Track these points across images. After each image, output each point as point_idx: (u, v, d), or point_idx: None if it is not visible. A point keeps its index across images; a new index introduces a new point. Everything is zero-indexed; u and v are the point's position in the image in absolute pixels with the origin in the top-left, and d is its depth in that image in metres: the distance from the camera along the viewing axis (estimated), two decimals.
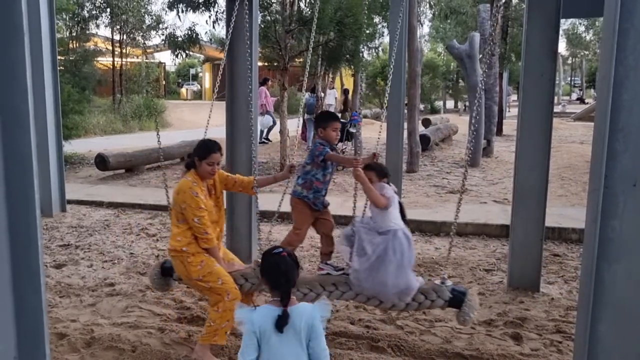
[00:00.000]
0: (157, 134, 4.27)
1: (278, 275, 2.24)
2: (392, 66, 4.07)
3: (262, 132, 15.46)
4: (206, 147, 3.52)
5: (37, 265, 1.74)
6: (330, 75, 16.37)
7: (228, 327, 3.45)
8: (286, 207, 4.05)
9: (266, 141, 15.18)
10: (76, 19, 20.22)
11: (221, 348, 3.72)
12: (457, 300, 3.42)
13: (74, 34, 20.68)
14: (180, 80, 42.20)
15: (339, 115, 19.29)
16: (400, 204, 3.57)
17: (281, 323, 2.14)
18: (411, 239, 3.48)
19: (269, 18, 10.71)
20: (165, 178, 4.18)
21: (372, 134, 14.23)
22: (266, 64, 11.88)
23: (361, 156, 3.71)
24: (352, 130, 12.55)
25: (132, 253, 5.91)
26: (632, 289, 2.27)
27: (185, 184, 3.49)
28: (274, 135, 15.32)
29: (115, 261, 5.64)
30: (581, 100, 43.66)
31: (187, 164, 3.66)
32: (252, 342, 2.18)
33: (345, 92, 19.86)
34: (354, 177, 3.60)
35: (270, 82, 16.17)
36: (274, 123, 15.25)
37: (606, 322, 2.31)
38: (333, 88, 17.45)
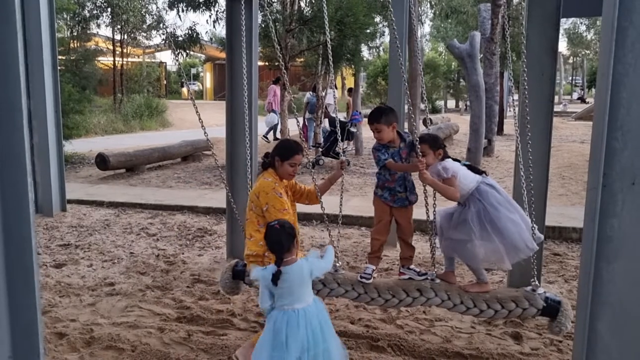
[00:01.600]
0: (203, 127, 4.15)
1: (272, 242, 2.83)
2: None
3: (270, 129, 15.56)
4: (290, 148, 3.42)
5: (31, 263, 1.73)
6: (332, 75, 16.39)
7: None
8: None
9: (265, 139, 15.20)
10: (77, 19, 20.26)
11: (220, 348, 3.73)
12: (551, 309, 3.23)
13: (75, 34, 20.70)
14: (183, 80, 42.23)
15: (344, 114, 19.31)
16: (468, 165, 3.43)
17: (275, 279, 2.73)
18: (495, 184, 3.38)
19: (269, 17, 10.72)
20: (224, 180, 4.05)
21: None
22: (267, 63, 11.89)
23: (419, 155, 3.41)
24: (353, 129, 12.55)
25: (132, 253, 5.91)
26: (630, 287, 2.26)
27: (267, 184, 3.36)
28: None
29: (115, 261, 5.64)
30: (582, 99, 43.62)
31: (264, 164, 3.51)
32: (266, 292, 2.80)
33: (349, 91, 19.82)
34: (421, 181, 3.38)
35: (282, 81, 16.21)
36: (278, 122, 15.31)
37: (605, 321, 2.31)
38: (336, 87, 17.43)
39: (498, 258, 3.28)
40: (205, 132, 4.20)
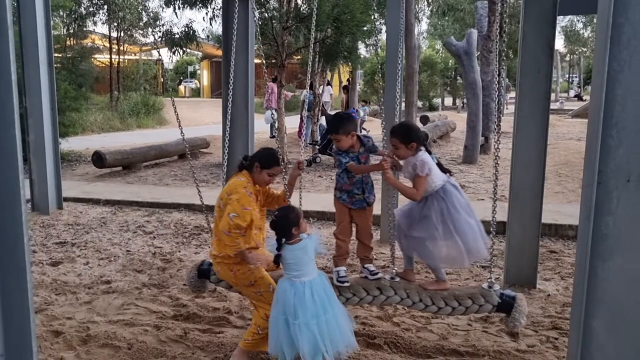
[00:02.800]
0: (179, 124, 4.17)
1: (277, 230, 3.14)
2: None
3: (272, 126, 15.66)
4: (273, 158, 3.44)
5: (23, 262, 1.72)
6: (329, 72, 16.33)
7: None
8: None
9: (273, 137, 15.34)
10: (73, 16, 20.17)
11: (217, 345, 3.72)
12: (506, 305, 3.32)
13: (71, 31, 20.62)
14: (181, 77, 42.19)
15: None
16: (437, 162, 3.40)
17: (276, 261, 3.14)
18: (458, 186, 3.39)
19: (266, 15, 10.69)
20: (197, 181, 4.05)
21: (371, 131, 14.25)
22: (264, 61, 11.87)
23: (386, 155, 3.49)
24: None
25: (128, 250, 5.90)
26: (626, 285, 2.26)
27: (239, 183, 3.38)
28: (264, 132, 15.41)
29: (112, 259, 5.63)
30: (579, 97, 43.65)
31: (240, 165, 3.52)
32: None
33: (345, 88, 19.78)
34: (385, 180, 3.44)
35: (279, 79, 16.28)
36: (274, 119, 15.36)
37: (600, 318, 2.31)
38: (328, 85, 17.41)
39: (458, 258, 3.32)
40: (181, 132, 4.23)
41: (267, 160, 3.43)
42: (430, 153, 3.42)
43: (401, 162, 3.51)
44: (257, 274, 3.36)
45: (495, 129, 3.72)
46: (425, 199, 3.34)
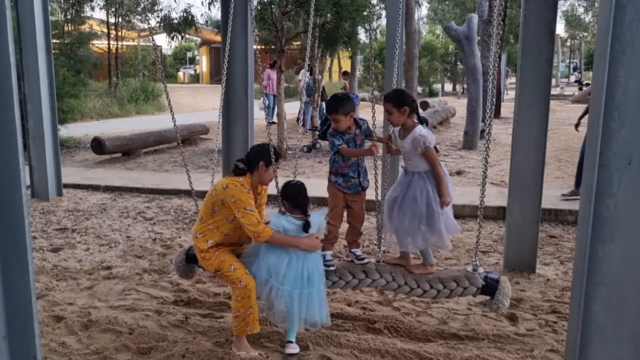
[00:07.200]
0: (171, 111, 4.19)
1: (297, 197, 3.33)
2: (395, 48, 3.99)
3: (270, 113, 15.60)
4: (275, 152, 3.40)
5: (24, 245, 1.73)
6: (328, 57, 16.20)
7: (254, 313, 3.33)
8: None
9: (273, 123, 15.27)
10: (70, 1, 20.00)
11: (218, 330, 3.74)
12: (490, 287, 3.36)
13: (69, 17, 20.46)
14: (178, 66, 42.01)
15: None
16: None
17: (306, 228, 3.26)
18: (447, 172, 3.44)
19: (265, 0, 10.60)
20: (187, 168, 4.03)
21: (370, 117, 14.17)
22: (263, 46, 11.79)
23: (375, 140, 3.53)
24: None
25: (129, 236, 5.91)
26: (626, 267, 2.26)
27: (237, 181, 3.32)
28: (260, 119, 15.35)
29: (112, 244, 5.64)
30: (579, 82, 43.44)
31: (239, 170, 3.40)
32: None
33: (344, 74, 19.64)
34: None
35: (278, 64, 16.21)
36: (269, 106, 15.33)
37: (600, 301, 2.31)
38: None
39: (439, 241, 3.39)
40: (173, 119, 4.22)
41: (270, 156, 3.38)
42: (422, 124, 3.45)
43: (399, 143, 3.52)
44: (219, 257, 3.40)
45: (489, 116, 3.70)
46: (412, 175, 3.38)
